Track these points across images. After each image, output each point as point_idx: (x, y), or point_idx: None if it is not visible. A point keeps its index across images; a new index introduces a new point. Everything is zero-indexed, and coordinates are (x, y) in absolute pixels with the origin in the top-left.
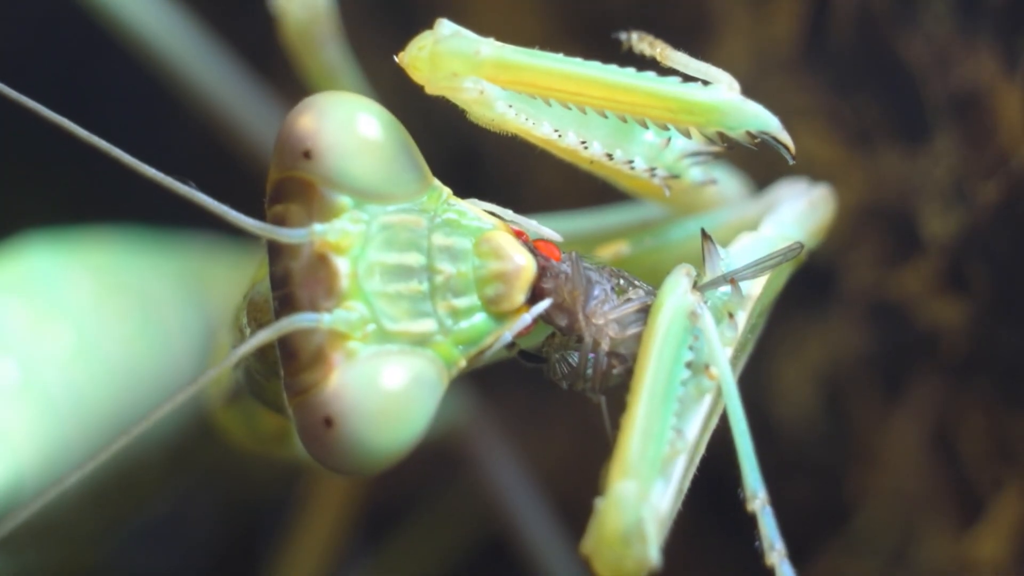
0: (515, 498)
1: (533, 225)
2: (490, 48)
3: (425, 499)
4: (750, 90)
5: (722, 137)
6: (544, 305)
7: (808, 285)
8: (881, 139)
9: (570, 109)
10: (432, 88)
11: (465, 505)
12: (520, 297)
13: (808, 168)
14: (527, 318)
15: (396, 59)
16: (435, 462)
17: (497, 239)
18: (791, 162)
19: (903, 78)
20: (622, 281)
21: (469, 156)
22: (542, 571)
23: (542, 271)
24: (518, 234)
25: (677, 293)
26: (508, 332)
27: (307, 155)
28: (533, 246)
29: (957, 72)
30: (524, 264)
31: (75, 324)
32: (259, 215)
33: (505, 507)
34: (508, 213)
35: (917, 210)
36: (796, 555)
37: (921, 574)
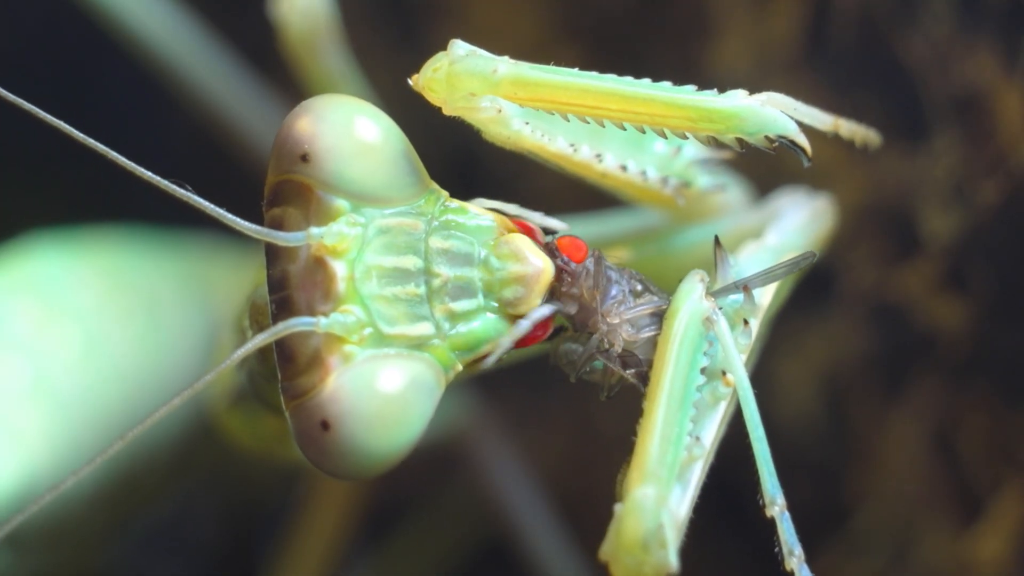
0: (515, 498)
1: (538, 217)
2: (507, 66)
3: (425, 500)
4: (751, 90)
5: (740, 143)
6: (545, 312)
7: (808, 285)
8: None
9: (587, 123)
10: (449, 109)
11: (465, 505)
12: (537, 300)
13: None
14: (525, 324)
15: (410, 82)
16: (435, 462)
17: (516, 242)
18: (807, 164)
19: (903, 78)
20: (639, 285)
21: (469, 157)
22: (542, 571)
23: (559, 273)
24: (530, 233)
25: (692, 298)
26: (508, 338)
27: (304, 158)
28: (556, 245)
29: (957, 72)
30: (543, 267)
31: (83, 324)
32: (259, 217)
33: (505, 507)
34: (513, 208)
35: (917, 210)
36: None
37: (921, 574)
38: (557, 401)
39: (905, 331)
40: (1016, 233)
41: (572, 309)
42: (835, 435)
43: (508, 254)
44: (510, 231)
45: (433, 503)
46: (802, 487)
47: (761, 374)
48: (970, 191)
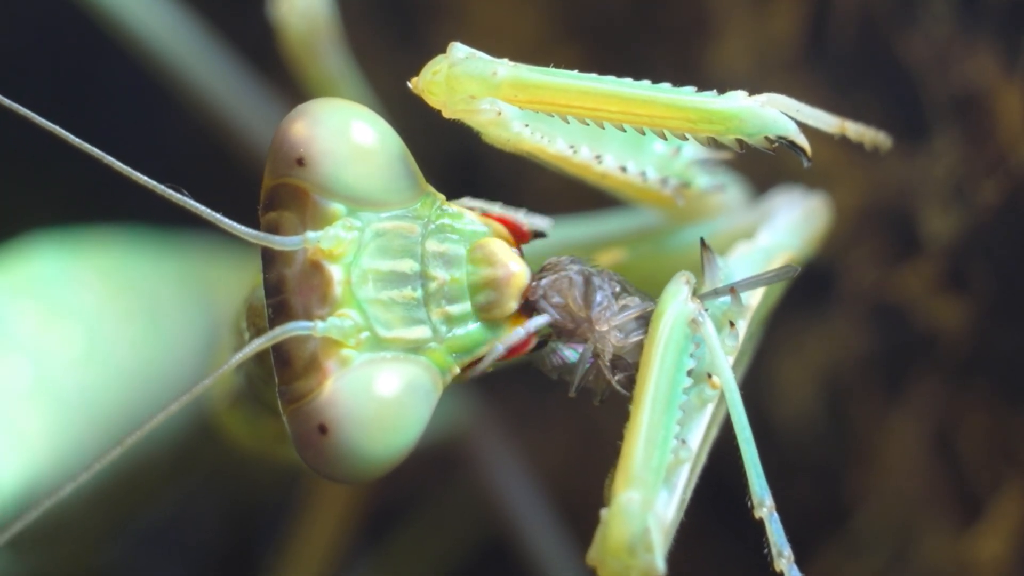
0: (515, 499)
1: (522, 216)
2: (506, 69)
3: (426, 500)
4: (751, 90)
5: (740, 144)
6: (540, 321)
7: (808, 285)
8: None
9: (587, 125)
10: (449, 112)
11: (465, 506)
12: (512, 304)
13: (808, 168)
14: (520, 332)
15: (410, 85)
16: (436, 463)
17: (490, 245)
18: (807, 165)
19: (903, 78)
20: (618, 286)
21: (468, 158)
22: (542, 571)
23: (550, 278)
24: (516, 233)
25: (678, 301)
26: (500, 345)
27: (300, 162)
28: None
29: (957, 72)
30: (516, 271)
31: (85, 325)
32: (256, 220)
33: (505, 508)
34: (496, 207)
35: (917, 210)
36: (796, 555)
37: (921, 574)
38: (557, 402)
39: (905, 331)
40: (1016, 233)
41: (566, 321)
42: (835, 435)
43: (481, 258)
44: (501, 235)
45: (433, 503)
46: (802, 487)
47: (761, 374)
48: (970, 191)
